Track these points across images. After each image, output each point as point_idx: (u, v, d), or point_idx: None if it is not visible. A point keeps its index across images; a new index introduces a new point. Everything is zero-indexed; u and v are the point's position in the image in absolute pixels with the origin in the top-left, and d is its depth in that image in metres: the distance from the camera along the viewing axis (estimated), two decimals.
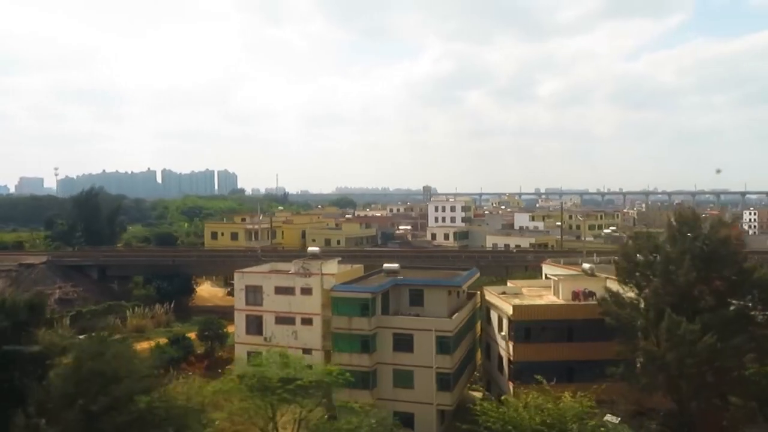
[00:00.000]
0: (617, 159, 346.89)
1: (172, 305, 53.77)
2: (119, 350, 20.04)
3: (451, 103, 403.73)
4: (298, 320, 41.93)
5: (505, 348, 37.30)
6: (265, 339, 42.80)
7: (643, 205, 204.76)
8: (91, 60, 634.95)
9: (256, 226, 75.83)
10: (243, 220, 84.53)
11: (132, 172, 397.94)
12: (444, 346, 35.39)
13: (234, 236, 76.87)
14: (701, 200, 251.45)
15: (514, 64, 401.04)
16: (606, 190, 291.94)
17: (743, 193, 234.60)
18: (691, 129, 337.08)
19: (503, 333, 37.52)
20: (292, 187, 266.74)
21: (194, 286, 65.51)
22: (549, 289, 42.67)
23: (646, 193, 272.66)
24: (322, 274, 42.68)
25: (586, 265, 41.78)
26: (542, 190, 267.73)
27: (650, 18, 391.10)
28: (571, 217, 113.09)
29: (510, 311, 35.92)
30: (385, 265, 43.11)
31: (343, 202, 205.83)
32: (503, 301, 38.11)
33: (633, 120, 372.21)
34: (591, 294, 37.75)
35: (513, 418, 23.12)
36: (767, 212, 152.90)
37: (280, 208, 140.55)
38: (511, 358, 35.84)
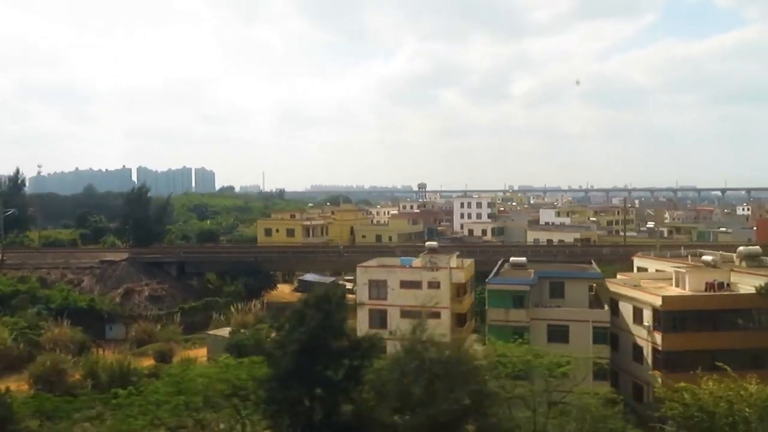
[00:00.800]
0: (589, 157, 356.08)
1: (264, 301, 53.08)
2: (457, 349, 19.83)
3: (426, 102, 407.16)
4: (425, 314, 42.13)
5: (646, 338, 38.28)
6: (390, 333, 42.88)
7: (626, 202, 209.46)
8: (61, 58, 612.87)
9: (313, 223, 75.25)
10: (292, 216, 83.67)
11: (107, 170, 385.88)
12: (600, 336, 36.23)
13: (290, 233, 76.07)
14: (682, 197, 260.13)
15: (488, 64, 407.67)
16: (589, 187, 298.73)
17: (723, 190, 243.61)
18: (660, 127, 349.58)
19: (646, 324, 38.51)
20: (267, 185, 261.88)
21: (275, 283, 64.78)
22: (664, 281, 43.86)
23: (629, 190, 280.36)
24: (450, 268, 43.07)
25: (708, 257, 43.14)
26: (516, 188, 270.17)
27: (622, 18, 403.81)
28: (596, 213, 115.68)
29: (658, 302, 36.94)
30: (513, 259, 43.78)
31: (336, 200, 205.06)
32: (644, 293, 39.11)
33: (604, 118, 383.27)
34: (722, 285, 39.08)
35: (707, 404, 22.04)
36: (758, 207, 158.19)
37: (310, 204, 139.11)
38: (659, 348, 36.86)
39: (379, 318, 43.28)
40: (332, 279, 59.28)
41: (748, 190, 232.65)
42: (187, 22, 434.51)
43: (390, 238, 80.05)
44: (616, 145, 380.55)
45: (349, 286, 55.52)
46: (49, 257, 55.52)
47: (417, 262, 44.93)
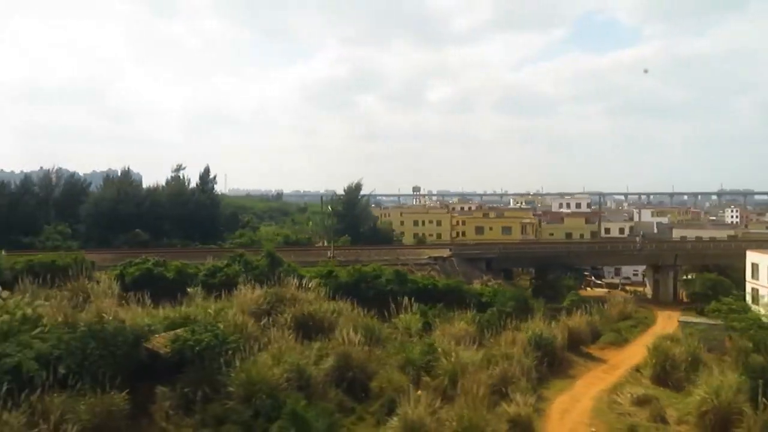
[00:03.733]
0: (502, 163, 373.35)
1: None
2: None
3: (345, 106, 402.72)
4: None
5: None
6: None
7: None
8: None
9: (524, 221, 68.64)
10: (485, 215, 75.89)
11: (22, 171, 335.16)
12: None
13: (506, 230, 68.24)
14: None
15: (408, 70, 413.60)
16: (504, 192, 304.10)
17: (671, 194, 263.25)
18: (566, 135, 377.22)
19: None
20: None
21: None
22: None
23: (542, 195, 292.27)
24: None
25: None
26: (434, 192, 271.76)
27: (535, 32, 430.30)
28: (687, 212, 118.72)
29: None
30: None
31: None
32: None
33: (515, 126, 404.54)
34: None
35: None
36: (745, 210, 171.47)
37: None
38: None
39: None
40: None
41: (648, 195, 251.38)
42: (96, 17, 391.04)
43: (581, 236, 75.46)
44: (527, 151, 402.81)
45: None
46: (373, 254, 44.54)
47: None
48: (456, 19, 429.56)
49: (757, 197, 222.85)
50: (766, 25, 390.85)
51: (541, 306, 31.14)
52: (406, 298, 26.02)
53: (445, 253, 48.00)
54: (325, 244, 51.47)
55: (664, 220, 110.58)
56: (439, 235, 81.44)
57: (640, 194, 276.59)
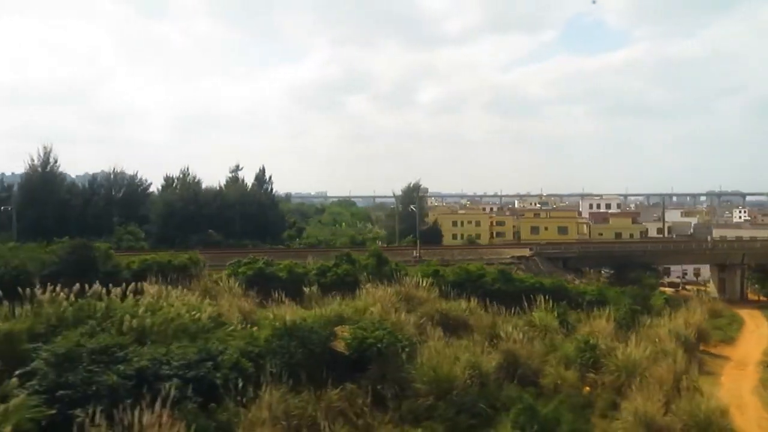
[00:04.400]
0: (491, 164, 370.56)
1: None
2: None
3: (335, 107, 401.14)
4: None
5: None
6: None
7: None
8: None
9: (579, 221, 68.48)
10: (537, 215, 75.95)
11: (13, 173, 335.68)
12: None
13: (562, 230, 68.12)
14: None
15: (398, 71, 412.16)
16: (496, 193, 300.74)
17: (669, 195, 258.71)
18: (554, 136, 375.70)
19: None
20: None
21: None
22: None
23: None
24: None
25: None
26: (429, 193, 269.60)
27: (526, 33, 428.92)
28: (708, 212, 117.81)
29: None
30: None
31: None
32: None
33: (504, 127, 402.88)
34: None
35: None
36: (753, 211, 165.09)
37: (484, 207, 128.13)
38: None
39: None
40: None
41: (625, 196, 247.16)
42: (84, 16, 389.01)
43: (631, 235, 75.02)
44: (516, 152, 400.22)
45: None
46: (456, 254, 44.48)
47: None
48: (446, 21, 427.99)
49: (748, 198, 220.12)
50: (753, 27, 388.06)
51: (661, 302, 30.95)
52: (541, 296, 25.93)
53: (526, 252, 47.97)
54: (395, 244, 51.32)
55: (694, 220, 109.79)
56: (478, 236, 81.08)
57: (624, 195, 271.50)
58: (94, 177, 58.14)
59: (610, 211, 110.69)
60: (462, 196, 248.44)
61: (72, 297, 16.87)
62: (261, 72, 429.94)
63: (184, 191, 54.78)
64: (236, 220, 51.61)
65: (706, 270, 67.76)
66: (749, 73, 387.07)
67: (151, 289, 21.77)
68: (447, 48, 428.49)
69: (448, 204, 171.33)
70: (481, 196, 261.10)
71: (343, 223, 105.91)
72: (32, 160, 53.30)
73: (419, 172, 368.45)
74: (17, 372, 12.18)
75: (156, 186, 62.32)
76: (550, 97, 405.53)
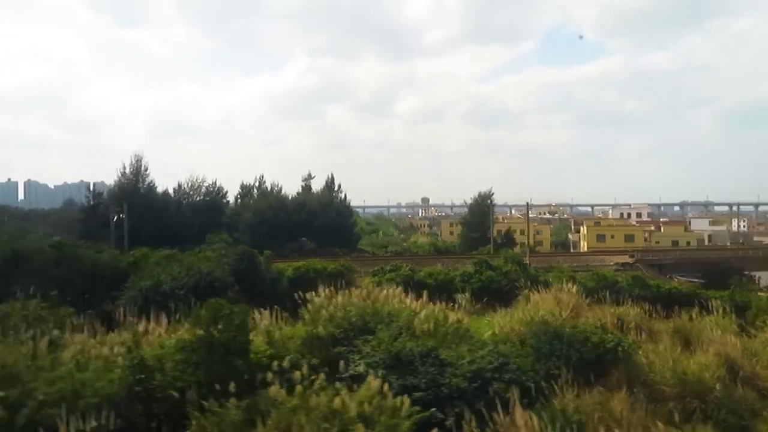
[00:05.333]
0: (468, 173, 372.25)
1: None
2: None
3: (312, 116, 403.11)
4: None
5: None
6: None
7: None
8: None
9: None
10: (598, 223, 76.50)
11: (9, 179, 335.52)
12: None
13: (629, 238, 68.51)
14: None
15: (377, 81, 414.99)
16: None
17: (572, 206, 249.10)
18: (530, 146, 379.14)
19: None
20: None
21: None
22: None
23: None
24: None
25: None
26: (403, 204, 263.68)
27: (504, 45, 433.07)
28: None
29: None
30: None
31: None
32: None
33: (481, 137, 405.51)
34: None
35: None
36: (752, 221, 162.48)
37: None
38: None
39: None
40: None
41: (592, 206, 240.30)
42: (59, 24, 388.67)
43: (688, 243, 75.24)
44: (493, 161, 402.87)
45: None
46: (561, 260, 45.07)
47: None
48: (427, 32, 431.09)
49: (717, 208, 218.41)
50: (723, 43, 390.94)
51: None
52: (716, 301, 26.01)
53: (628, 259, 48.44)
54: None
55: (722, 227, 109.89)
56: (540, 243, 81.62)
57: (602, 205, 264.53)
58: (179, 185, 58.83)
59: (642, 219, 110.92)
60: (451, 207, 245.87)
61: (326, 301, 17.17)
62: (239, 81, 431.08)
63: (272, 199, 55.41)
64: (323, 228, 52.15)
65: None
66: (721, 85, 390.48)
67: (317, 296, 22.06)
68: (426, 58, 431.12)
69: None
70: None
71: (380, 232, 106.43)
72: (124, 168, 53.95)
73: (397, 180, 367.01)
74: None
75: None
76: (528, 107, 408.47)
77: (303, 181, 63.20)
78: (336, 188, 64.05)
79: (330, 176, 64.34)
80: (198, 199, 57.89)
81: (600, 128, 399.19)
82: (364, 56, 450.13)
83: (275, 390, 10.31)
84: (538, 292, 27.76)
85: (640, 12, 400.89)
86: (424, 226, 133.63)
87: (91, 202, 54.38)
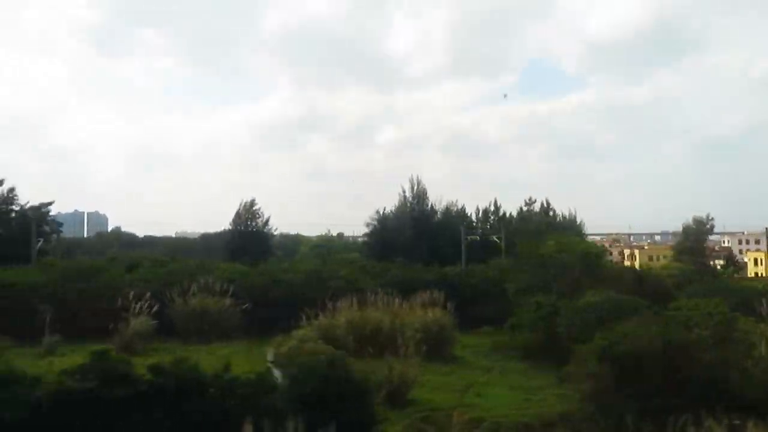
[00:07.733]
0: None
1: None
2: None
3: (293, 146, 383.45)
4: None
5: None
6: None
7: None
8: None
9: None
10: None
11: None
12: None
13: None
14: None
15: (359, 112, 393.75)
16: None
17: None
18: (509, 176, 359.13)
19: None
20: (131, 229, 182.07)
21: None
22: None
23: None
24: None
25: None
26: None
27: (485, 78, 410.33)
28: None
29: None
30: None
31: None
32: None
33: (460, 167, 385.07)
34: None
35: None
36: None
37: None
38: None
39: None
40: None
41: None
42: (40, 52, 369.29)
43: None
44: (470, 192, 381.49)
45: None
46: None
47: None
48: (410, 65, 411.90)
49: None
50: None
51: None
52: None
53: None
54: None
55: None
56: None
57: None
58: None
59: (757, 246, 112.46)
60: None
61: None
62: (221, 110, 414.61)
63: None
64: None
65: None
66: (694, 118, 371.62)
67: None
68: (408, 91, 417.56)
69: None
70: None
71: None
72: (403, 191, 62.46)
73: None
74: None
75: None
76: (506, 138, 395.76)
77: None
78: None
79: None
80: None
81: (577, 159, 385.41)
82: (348, 88, 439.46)
83: None
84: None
85: (618, 47, 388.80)
86: None
87: None
